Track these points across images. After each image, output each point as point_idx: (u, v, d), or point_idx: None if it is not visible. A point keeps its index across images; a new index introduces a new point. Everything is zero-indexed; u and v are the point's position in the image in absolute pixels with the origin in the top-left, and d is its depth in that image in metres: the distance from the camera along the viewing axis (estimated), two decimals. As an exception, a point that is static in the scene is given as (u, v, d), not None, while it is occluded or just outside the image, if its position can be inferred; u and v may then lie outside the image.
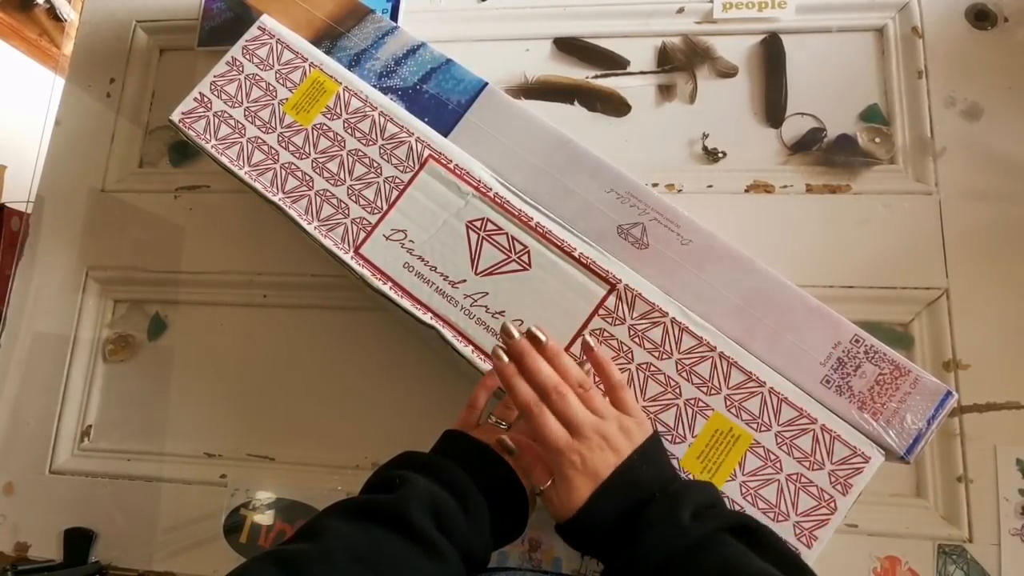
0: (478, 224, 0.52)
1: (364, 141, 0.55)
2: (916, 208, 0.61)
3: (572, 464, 0.42)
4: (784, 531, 0.45)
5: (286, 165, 0.55)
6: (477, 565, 0.41)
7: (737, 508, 0.45)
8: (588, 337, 0.48)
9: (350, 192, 0.54)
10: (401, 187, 0.53)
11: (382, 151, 0.54)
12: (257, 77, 0.57)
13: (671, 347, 0.48)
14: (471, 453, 0.44)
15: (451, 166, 0.53)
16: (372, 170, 0.54)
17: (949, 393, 0.46)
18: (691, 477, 0.46)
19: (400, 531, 0.38)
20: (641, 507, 0.40)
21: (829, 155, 0.63)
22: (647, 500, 0.41)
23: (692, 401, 0.47)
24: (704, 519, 0.39)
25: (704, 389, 0.47)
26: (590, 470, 0.42)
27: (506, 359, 0.44)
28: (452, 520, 0.40)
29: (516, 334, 0.43)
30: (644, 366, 0.48)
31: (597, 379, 0.47)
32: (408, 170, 0.54)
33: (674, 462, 0.46)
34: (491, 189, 0.53)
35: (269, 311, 0.67)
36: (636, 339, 0.49)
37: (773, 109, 0.64)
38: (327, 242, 0.53)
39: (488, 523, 0.42)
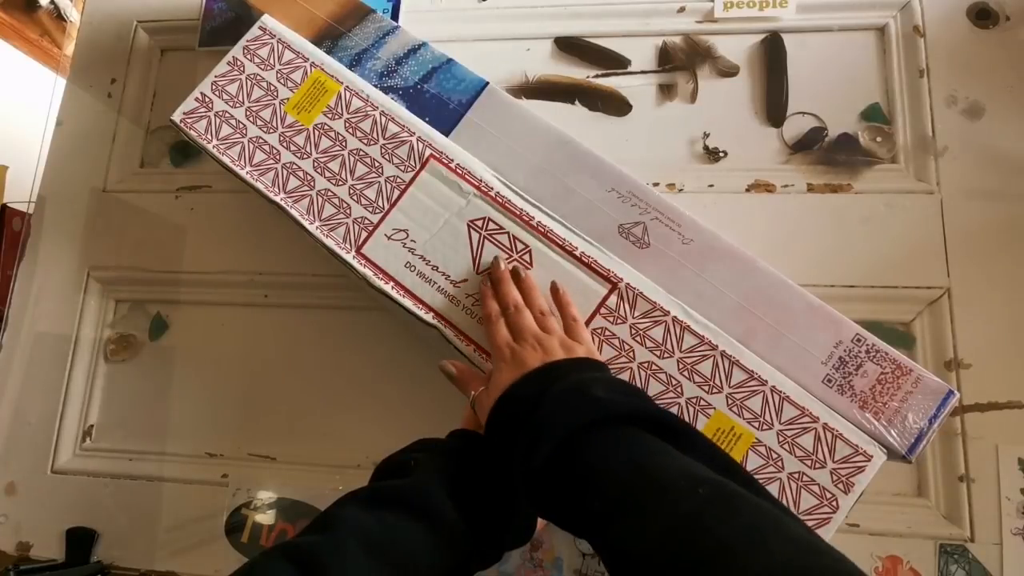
0: (480, 223, 0.52)
1: (365, 141, 0.55)
2: (917, 207, 0.61)
3: (503, 356, 0.44)
4: (786, 530, 0.45)
5: (287, 165, 0.55)
6: (492, 547, 0.41)
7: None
8: (555, 282, 0.50)
9: (351, 192, 0.54)
10: (403, 187, 0.54)
11: (383, 151, 0.54)
12: (258, 77, 0.57)
13: (672, 346, 0.48)
14: (482, 445, 0.44)
15: (452, 165, 0.53)
16: (373, 170, 0.54)
17: (951, 392, 0.46)
18: None
19: (416, 515, 0.37)
20: (551, 386, 0.39)
21: (830, 154, 0.63)
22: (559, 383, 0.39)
23: (694, 400, 0.47)
24: (618, 402, 0.37)
25: (706, 388, 0.47)
26: (518, 362, 0.43)
27: (488, 282, 0.50)
28: (470, 494, 0.39)
29: (502, 266, 0.50)
30: (646, 365, 0.48)
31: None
32: (409, 169, 0.54)
33: None
34: (492, 188, 0.53)
35: (270, 311, 0.67)
36: (638, 338, 0.49)
37: (774, 108, 0.64)
38: (329, 242, 0.53)
39: (505, 499, 0.41)
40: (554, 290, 0.50)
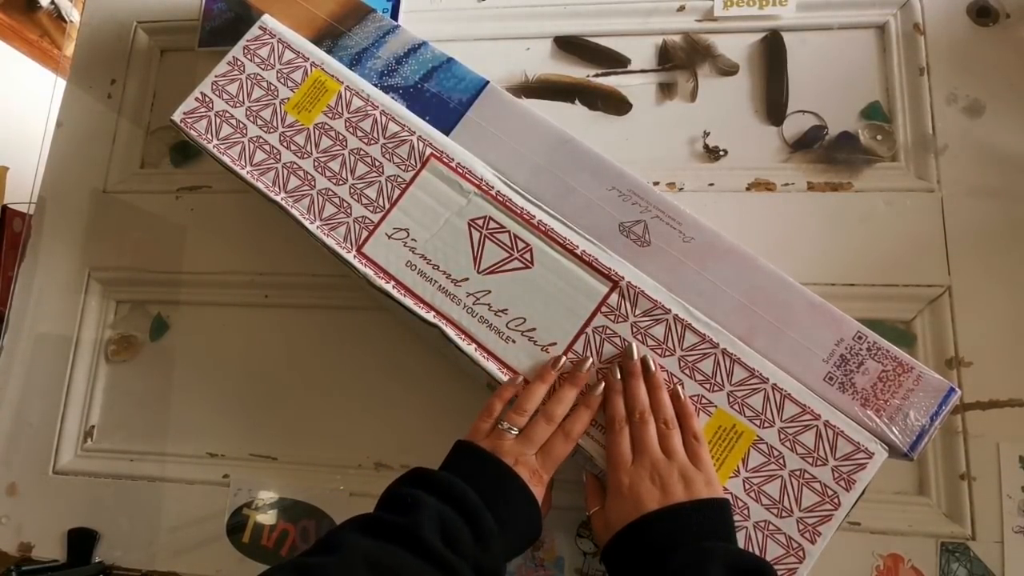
0: (480, 222, 0.52)
1: (366, 140, 0.55)
2: (918, 205, 0.61)
3: (620, 485, 0.44)
4: (787, 527, 0.45)
5: (288, 165, 0.55)
6: (491, 572, 0.42)
7: (740, 504, 0.45)
8: (679, 387, 0.48)
9: (352, 191, 0.54)
10: (403, 186, 0.54)
11: (384, 150, 0.54)
12: (258, 77, 0.57)
13: (674, 344, 0.48)
14: (481, 468, 0.45)
15: (453, 164, 0.53)
16: (374, 169, 0.54)
17: (952, 390, 0.46)
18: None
19: (414, 551, 0.39)
20: (671, 553, 0.40)
21: (830, 153, 0.63)
22: (679, 547, 0.41)
23: (695, 398, 0.47)
24: None
25: (707, 386, 0.47)
26: (634, 498, 0.43)
27: (618, 375, 0.47)
28: (461, 542, 0.40)
29: (635, 356, 0.47)
30: (647, 364, 0.48)
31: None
32: (410, 169, 0.54)
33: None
34: (493, 187, 0.53)
35: (271, 311, 0.67)
36: (639, 336, 0.49)
37: (774, 107, 0.64)
38: (329, 241, 0.53)
39: (499, 543, 0.42)
40: (675, 396, 0.47)
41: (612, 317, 0.49)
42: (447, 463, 0.46)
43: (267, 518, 0.62)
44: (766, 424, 0.46)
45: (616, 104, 0.67)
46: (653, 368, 0.47)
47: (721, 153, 0.64)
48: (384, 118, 0.55)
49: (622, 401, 0.47)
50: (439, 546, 0.39)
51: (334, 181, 0.54)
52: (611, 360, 0.49)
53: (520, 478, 0.44)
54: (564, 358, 0.49)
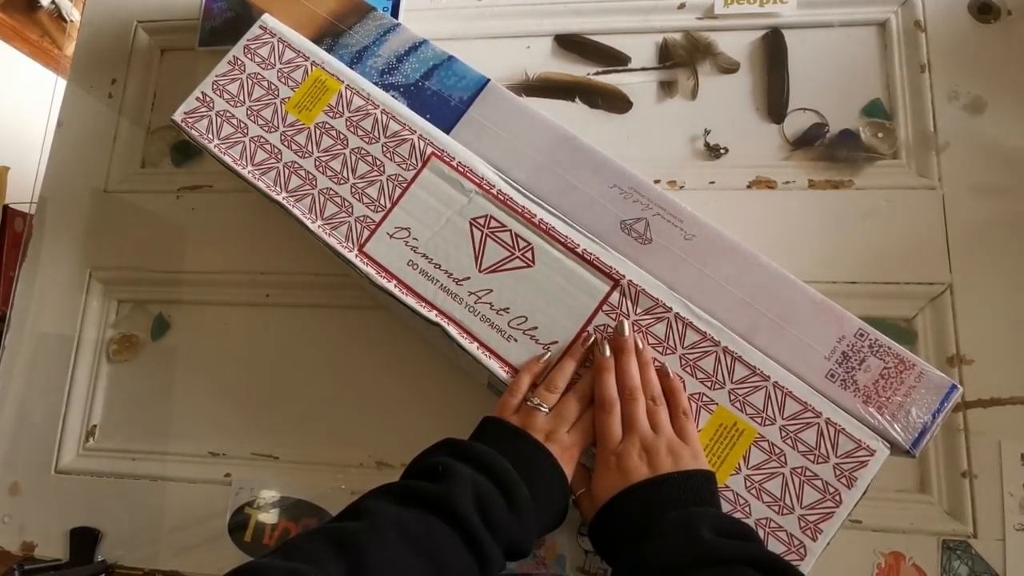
0: (481, 221, 0.52)
1: (367, 139, 0.55)
2: (919, 203, 0.61)
3: (608, 462, 0.44)
4: (789, 525, 0.45)
5: (289, 164, 0.55)
6: (518, 556, 0.42)
7: (742, 502, 0.46)
8: (666, 364, 0.48)
9: (353, 190, 0.54)
10: (404, 185, 0.54)
11: (385, 149, 0.54)
12: (259, 76, 0.57)
13: (675, 342, 0.48)
14: (512, 442, 0.44)
15: (454, 163, 0.53)
16: (375, 168, 0.54)
17: (954, 387, 0.46)
18: None
19: (447, 520, 0.38)
20: (659, 517, 0.41)
21: (831, 150, 0.63)
22: (667, 512, 0.41)
23: (696, 396, 0.47)
24: (725, 544, 0.38)
25: (708, 384, 0.47)
26: (622, 472, 0.43)
27: (608, 352, 0.47)
28: (496, 513, 0.40)
29: (626, 332, 0.47)
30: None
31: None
32: (411, 168, 0.54)
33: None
34: (494, 186, 0.53)
35: (272, 310, 0.67)
36: (640, 335, 0.49)
37: (775, 105, 0.64)
38: (331, 241, 0.53)
39: (532, 515, 0.42)
40: (663, 374, 0.48)
41: (613, 316, 0.49)
42: (476, 437, 0.46)
43: (269, 517, 0.62)
44: (767, 422, 0.46)
45: (617, 102, 0.67)
46: (642, 346, 0.48)
47: (722, 151, 0.64)
48: (385, 117, 0.55)
49: (613, 380, 0.47)
50: (474, 519, 0.39)
51: (335, 180, 0.54)
52: (597, 340, 0.49)
53: (551, 454, 0.44)
54: (594, 335, 0.49)
